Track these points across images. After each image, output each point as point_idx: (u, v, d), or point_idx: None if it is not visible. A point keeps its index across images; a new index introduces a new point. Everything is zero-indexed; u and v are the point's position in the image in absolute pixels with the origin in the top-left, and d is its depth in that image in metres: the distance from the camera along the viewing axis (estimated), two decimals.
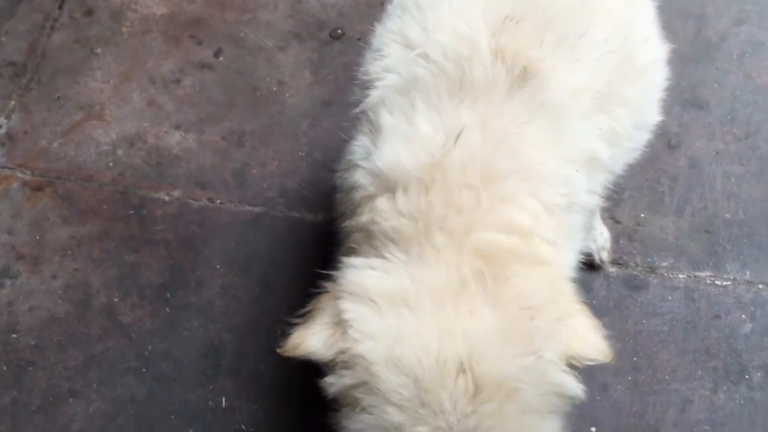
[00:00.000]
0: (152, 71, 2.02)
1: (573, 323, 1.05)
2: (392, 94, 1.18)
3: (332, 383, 1.04)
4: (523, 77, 1.13)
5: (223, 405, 1.60)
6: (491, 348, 0.99)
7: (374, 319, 1.01)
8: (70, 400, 1.60)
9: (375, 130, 1.17)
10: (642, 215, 1.84)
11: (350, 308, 1.03)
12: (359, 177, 1.15)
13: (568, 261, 1.17)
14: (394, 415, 0.98)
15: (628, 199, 1.86)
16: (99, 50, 2.05)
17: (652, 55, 1.32)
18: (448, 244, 1.04)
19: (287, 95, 1.99)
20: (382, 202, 1.10)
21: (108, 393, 1.61)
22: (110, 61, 2.03)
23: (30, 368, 1.63)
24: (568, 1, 1.23)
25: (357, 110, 1.24)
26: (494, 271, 1.03)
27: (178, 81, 2.01)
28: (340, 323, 1.03)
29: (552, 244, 1.11)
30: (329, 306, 1.07)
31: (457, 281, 1.02)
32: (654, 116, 1.39)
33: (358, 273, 1.07)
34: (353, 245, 1.14)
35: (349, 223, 1.15)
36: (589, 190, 1.21)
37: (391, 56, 1.23)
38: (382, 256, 1.07)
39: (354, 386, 1.02)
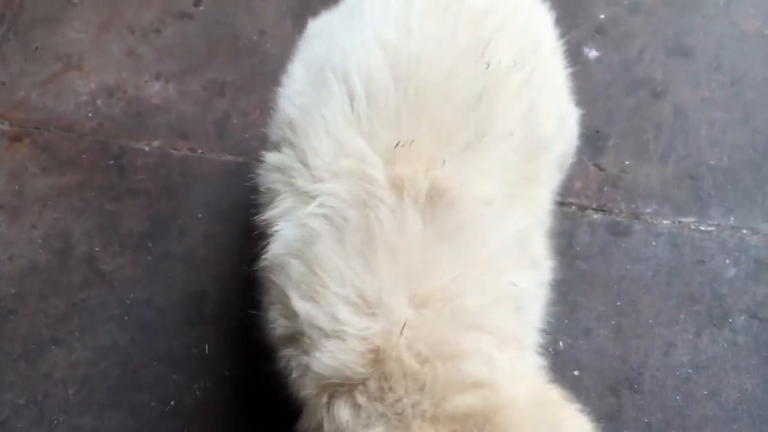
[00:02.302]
0: (131, 21, 1.99)
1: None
2: (294, 261, 1.07)
3: None
4: (431, 203, 1.05)
5: (206, 352, 1.59)
6: None
7: None
8: (52, 347, 1.59)
9: (290, 315, 1.07)
10: (627, 162, 1.83)
11: None
12: (304, 383, 1.06)
13: (532, 338, 1.13)
14: None
15: (612, 146, 1.85)
16: (77, 0, 2.01)
17: (555, 126, 1.25)
18: (424, 425, 0.98)
19: (268, 45, 1.97)
20: (343, 411, 1.01)
21: (90, 341, 1.60)
22: (88, 11, 1.99)
23: (11, 316, 1.62)
24: (462, 104, 1.12)
25: (261, 261, 1.15)
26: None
27: (157, 31, 1.98)
28: None
29: (517, 365, 1.05)
30: None
31: None
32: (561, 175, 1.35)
33: None
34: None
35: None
36: (533, 284, 1.15)
37: (282, 205, 1.14)
38: None
39: None
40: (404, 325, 1.00)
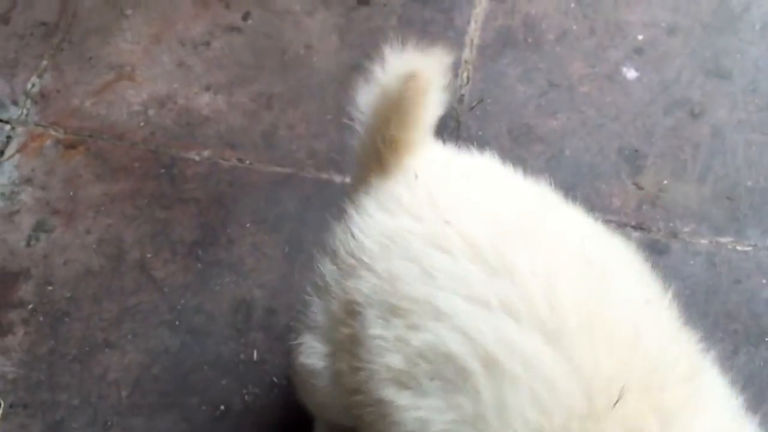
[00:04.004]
0: (182, 33, 2.04)
1: None
2: None
3: None
4: None
5: (255, 358, 1.64)
6: None
7: None
8: (106, 350, 1.64)
9: None
10: (665, 182, 1.87)
11: None
12: None
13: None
14: None
15: (651, 165, 1.89)
16: (129, 12, 2.07)
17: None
18: None
19: (315, 59, 2.02)
20: None
21: (142, 344, 1.65)
22: (140, 23, 2.05)
23: (66, 319, 1.67)
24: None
25: None
26: None
27: (207, 43, 2.03)
28: None
29: None
30: None
31: None
32: None
33: None
34: None
35: None
36: None
37: None
38: None
39: None
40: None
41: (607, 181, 1.87)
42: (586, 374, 0.98)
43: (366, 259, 1.13)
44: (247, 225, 1.80)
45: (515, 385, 0.98)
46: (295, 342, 1.27)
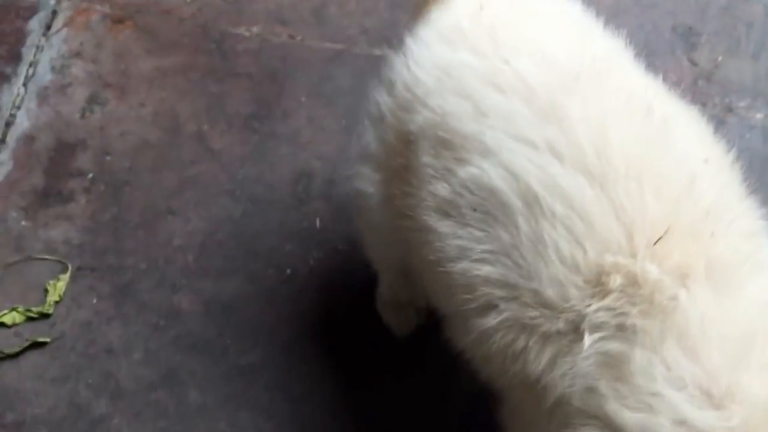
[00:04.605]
0: None
1: None
2: (602, 382, 0.95)
3: None
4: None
5: (317, 226, 1.64)
6: None
7: None
8: (169, 217, 1.63)
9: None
10: (719, 58, 1.86)
11: None
12: None
13: None
14: None
15: (705, 43, 1.88)
16: None
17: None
18: None
19: None
20: None
21: (204, 212, 1.64)
22: None
23: (127, 188, 1.66)
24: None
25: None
26: None
27: None
28: None
29: None
30: None
31: None
32: None
33: None
34: None
35: None
36: None
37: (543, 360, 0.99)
38: None
39: None
40: None
41: (662, 57, 1.86)
42: (629, 214, 0.97)
43: (420, 94, 1.13)
44: (302, 99, 1.78)
45: (553, 220, 0.98)
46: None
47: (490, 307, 1.02)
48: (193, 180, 1.67)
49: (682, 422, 0.89)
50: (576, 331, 0.97)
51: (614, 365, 0.94)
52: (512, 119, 1.05)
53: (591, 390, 0.95)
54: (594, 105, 1.05)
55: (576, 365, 0.96)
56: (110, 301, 1.55)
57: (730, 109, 1.81)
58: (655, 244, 0.96)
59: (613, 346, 0.95)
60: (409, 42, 1.18)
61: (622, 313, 0.95)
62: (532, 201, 1.00)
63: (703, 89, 1.83)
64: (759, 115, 1.81)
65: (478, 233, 1.03)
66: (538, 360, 0.99)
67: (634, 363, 0.93)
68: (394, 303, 1.51)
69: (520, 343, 1.00)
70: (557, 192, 0.99)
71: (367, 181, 1.25)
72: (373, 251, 1.42)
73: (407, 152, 1.14)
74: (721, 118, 1.80)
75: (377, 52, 1.83)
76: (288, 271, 1.59)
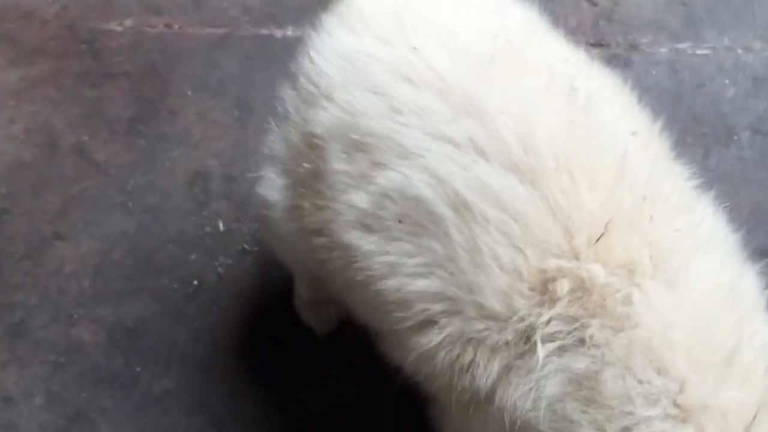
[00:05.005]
0: None
1: None
2: (572, 403, 0.88)
3: None
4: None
5: (221, 228, 1.53)
6: None
7: None
8: (56, 242, 1.50)
9: None
10: None
11: None
12: None
13: None
14: None
15: None
16: None
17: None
18: None
19: None
20: None
21: (96, 231, 1.52)
22: None
23: (5, 217, 1.52)
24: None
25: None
26: None
27: None
28: None
29: None
30: None
31: None
32: None
33: None
34: None
35: None
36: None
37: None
38: None
39: None
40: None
41: (560, 2, 1.79)
42: (565, 211, 0.90)
43: (324, 88, 1.02)
44: (188, 93, 1.65)
45: (487, 226, 0.91)
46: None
47: (430, 323, 0.94)
48: (79, 198, 1.54)
49: None
50: (527, 341, 0.90)
51: (582, 385, 0.88)
52: (428, 115, 0.96)
53: (559, 414, 0.89)
54: (513, 92, 0.96)
55: (538, 385, 0.89)
56: (1, 344, 1.42)
57: (634, 47, 1.76)
58: (596, 242, 0.90)
59: (579, 364, 0.88)
60: (310, 31, 1.08)
61: (581, 325, 0.88)
62: (461, 207, 0.92)
63: (605, 29, 1.77)
64: (663, 50, 1.76)
65: (407, 246, 0.94)
66: (488, 372, 0.92)
67: (605, 384, 0.86)
68: (313, 302, 1.42)
69: (467, 357, 0.93)
70: (487, 194, 0.91)
71: (272, 187, 1.14)
72: (284, 259, 1.32)
73: (314, 157, 1.03)
74: (626, 58, 1.75)
75: (264, 31, 1.72)
76: (195, 282, 1.49)
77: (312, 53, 1.06)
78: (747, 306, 0.94)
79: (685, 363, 0.86)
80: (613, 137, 0.97)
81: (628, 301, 0.88)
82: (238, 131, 1.61)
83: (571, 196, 0.91)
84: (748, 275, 1.00)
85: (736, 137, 1.68)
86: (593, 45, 1.75)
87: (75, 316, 1.45)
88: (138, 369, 1.42)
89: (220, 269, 1.50)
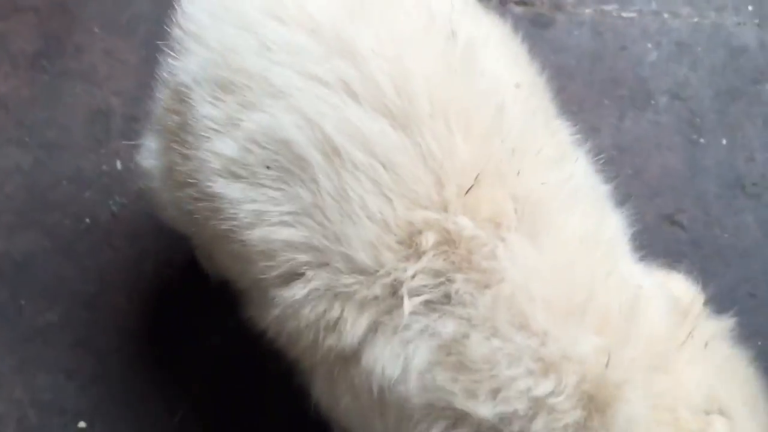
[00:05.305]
0: None
1: None
2: (439, 369, 0.87)
3: None
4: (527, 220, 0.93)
5: (119, 167, 1.51)
6: None
7: None
8: None
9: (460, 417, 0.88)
10: None
11: None
12: None
13: None
14: None
15: None
16: None
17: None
18: None
19: None
20: None
21: None
22: None
23: None
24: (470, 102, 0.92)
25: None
26: None
27: None
28: None
29: None
30: None
31: None
32: None
33: None
34: None
35: None
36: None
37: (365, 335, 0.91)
38: None
39: None
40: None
41: None
42: (437, 160, 0.88)
43: (195, 29, 0.99)
44: (96, 30, 1.61)
45: (356, 173, 0.88)
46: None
47: (295, 275, 0.92)
48: None
49: (533, 399, 0.84)
50: (394, 295, 0.88)
51: (451, 352, 0.86)
52: (299, 54, 0.93)
53: (430, 385, 0.87)
54: (387, 32, 0.93)
55: (407, 352, 0.88)
56: None
57: (558, 7, 1.72)
58: (466, 193, 0.88)
59: (447, 329, 0.86)
60: None
61: (447, 279, 0.87)
62: (330, 151, 0.89)
63: None
64: (587, 11, 1.73)
65: (274, 193, 0.91)
66: (355, 330, 0.90)
67: (472, 348, 0.85)
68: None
69: (334, 312, 0.90)
70: (357, 138, 0.89)
71: (149, 155, 1.10)
72: (177, 227, 1.25)
73: (183, 108, 1.00)
74: (549, 17, 1.72)
75: None
76: (87, 220, 1.47)
77: (183, 1, 1.03)
78: (603, 251, 0.93)
79: (544, 316, 0.85)
80: (493, 87, 0.95)
81: (492, 255, 0.87)
82: (144, 71, 1.57)
83: (444, 144, 0.89)
84: (609, 222, 0.99)
85: (653, 101, 1.65)
86: (517, 3, 1.71)
87: None
88: (23, 302, 1.40)
89: (114, 208, 1.48)
